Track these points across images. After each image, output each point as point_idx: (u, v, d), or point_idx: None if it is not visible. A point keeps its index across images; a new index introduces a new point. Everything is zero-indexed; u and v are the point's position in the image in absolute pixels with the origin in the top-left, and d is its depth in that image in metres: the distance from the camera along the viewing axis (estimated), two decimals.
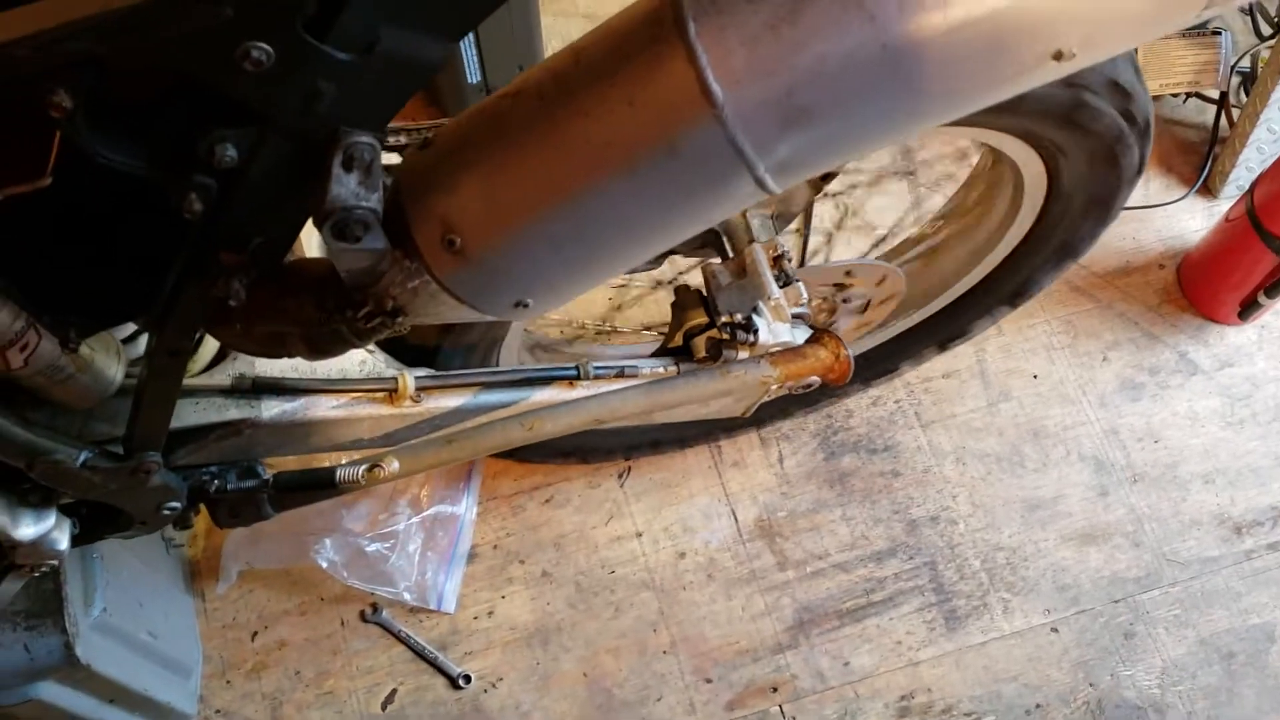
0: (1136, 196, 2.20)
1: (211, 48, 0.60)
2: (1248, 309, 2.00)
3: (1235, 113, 2.22)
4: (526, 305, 0.78)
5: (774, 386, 1.18)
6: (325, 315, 0.82)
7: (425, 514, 1.80)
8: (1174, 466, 1.96)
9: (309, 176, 0.70)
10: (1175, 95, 2.30)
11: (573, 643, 1.79)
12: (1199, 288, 2.09)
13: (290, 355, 0.86)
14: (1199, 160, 2.25)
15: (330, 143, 0.69)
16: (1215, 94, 2.24)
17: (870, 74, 0.66)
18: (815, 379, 1.20)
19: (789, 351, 1.16)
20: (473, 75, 2.03)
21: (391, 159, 0.84)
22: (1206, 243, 2.08)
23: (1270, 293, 1.92)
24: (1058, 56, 0.67)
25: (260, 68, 0.61)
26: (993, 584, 1.86)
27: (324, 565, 1.73)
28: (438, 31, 0.65)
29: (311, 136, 0.68)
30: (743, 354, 1.25)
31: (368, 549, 1.75)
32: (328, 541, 1.74)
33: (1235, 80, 2.24)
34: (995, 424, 1.99)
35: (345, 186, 0.69)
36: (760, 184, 0.71)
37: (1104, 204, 1.31)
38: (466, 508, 1.84)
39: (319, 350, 0.85)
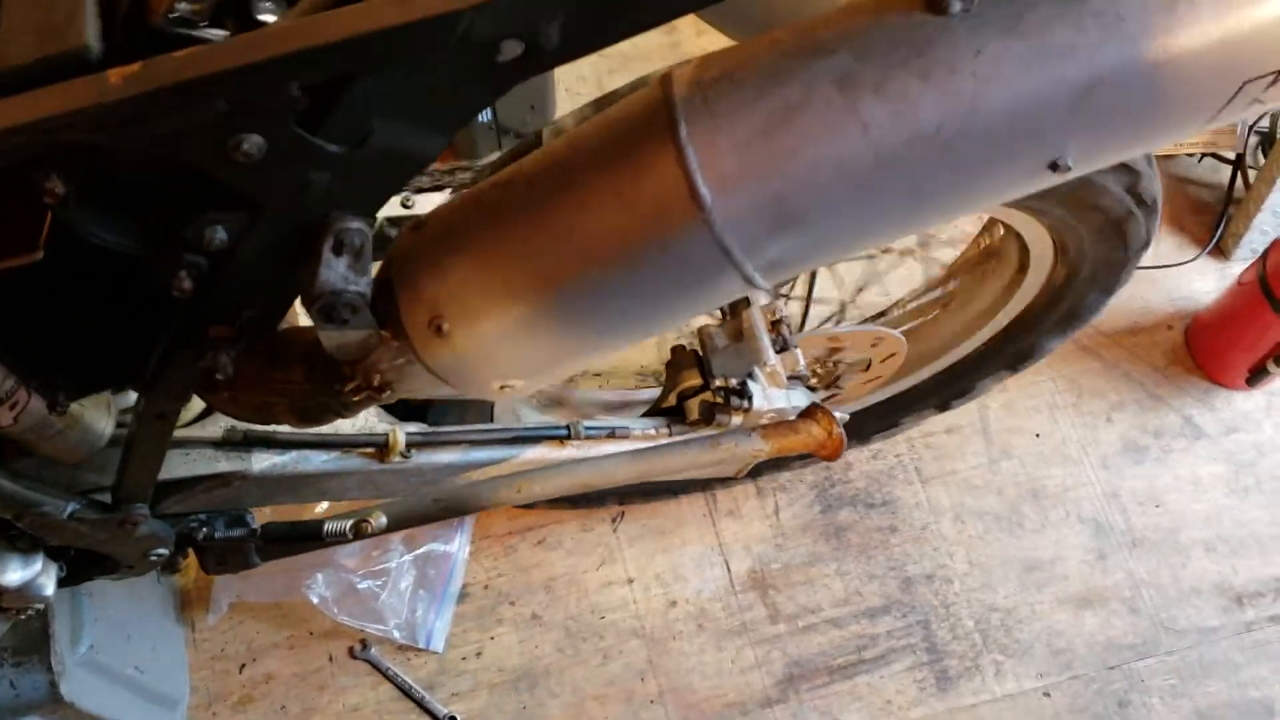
0: (1147, 257, 2.20)
1: (204, 139, 0.60)
2: (1256, 376, 1.98)
3: (1252, 174, 2.20)
4: (512, 387, 0.78)
5: (764, 459, 1.18)
6: (312, 387, 0.82)
7: (418, 552, 1.79)
8: (1175, 532, 1.94)
9: (299, 259, 0.70)
10: (1191, 154, 2.29)
11: (560, 688, 1.78)
12: (1207, 351, 2.08)
13: (278, 423, 0.86)
14: (1212, 221, 2.24)
15: (321, 227, 0.69)
16: (1232, 154, 2.23)
17: (862, 183, 0.65)
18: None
19: (781, 425, 1.15)
20: (484, 114, 2.03)
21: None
22: (1217, 306, 2.07)
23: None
24: (1054, 167, 0.67)
25: (251, 159, 0.61)
26: (986, 645, 1.84)
27: (315, 601, 1.72)
28: (432, 127, 0.65)
29: (302, 222, 0.68)
30: (736, 419, 1.24)
31: (359, 585, 1.74)
32: (319, 576, 1.74)
33: (1253, 141, 2.23)
34: (995, 482, 1.98)
35: (334, 270, 0.69)
36: (749, 281, 0.71)
37: (1111, 275, 1.30)
38: (459, 546, 1.83)
39: (306, 419, 0.85)
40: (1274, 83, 0.64)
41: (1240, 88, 0.64)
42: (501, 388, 0.78)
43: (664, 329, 0.78)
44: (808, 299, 2.09)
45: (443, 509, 1.09)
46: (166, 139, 0.60)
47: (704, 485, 1.87)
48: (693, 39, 2.48)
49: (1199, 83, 0.63)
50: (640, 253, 0.68)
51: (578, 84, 2.41)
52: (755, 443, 1.12)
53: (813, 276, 2.10)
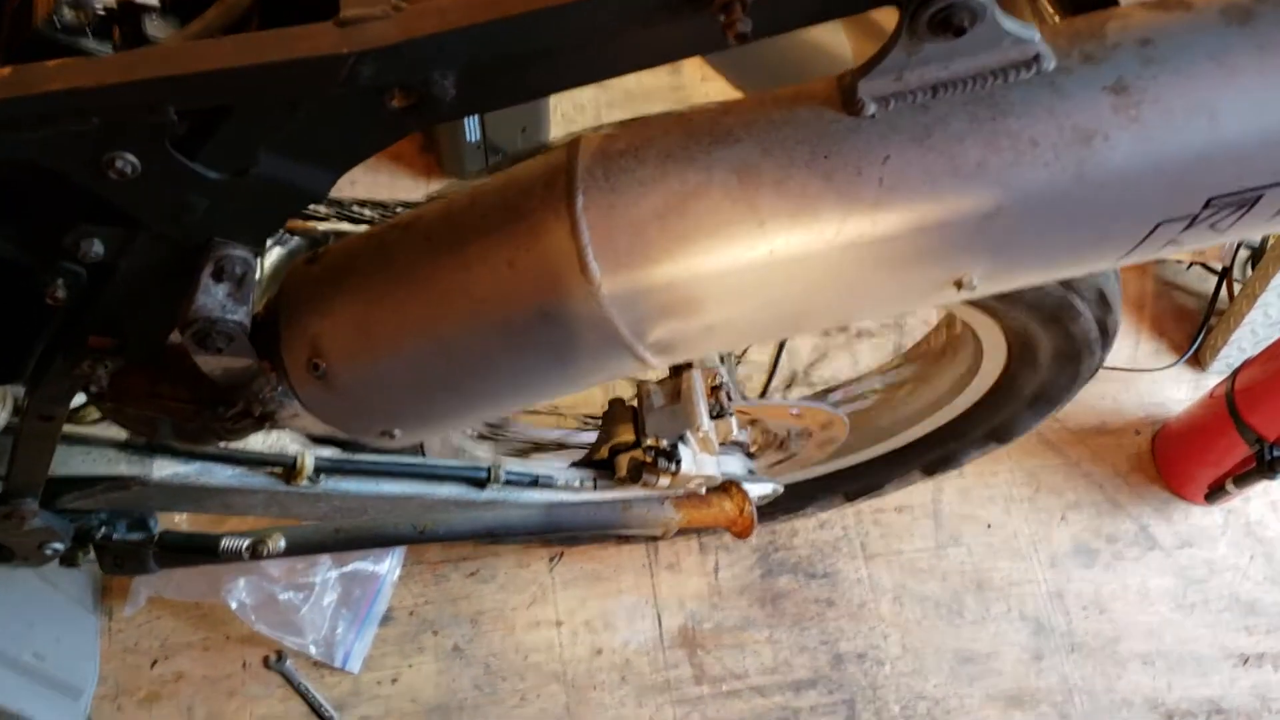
0: (1123, 358, 2.19)
1: (77, 151, 0.58)
2: (1215, 493, 1.96)
3: (1237, 288, 2.18)
4: (393, 435, 0.76)
5: (674, 530, 1.15)
6: (195, 409, 0.79)
7: (345, 569, 1.76)
8: (1115, 641, 1.91)
9: (180, 281, 0.68)
10: (1179, 260, 2.27)
11: None
12: (1171, 461, 2.05)
13: (161, 439, 0.83)
14: (1192, 330, 2.21)
15: (202, 252, 0.67)
16: (1219, 266, 2.21)
17: (755, 278, 0.63)
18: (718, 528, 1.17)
19: (694, 498, 1.13)
20: (472, 135, 2.02)
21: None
22: (1186, 416, 2.04)
23: (1239, 481, 1.88)
24: (958, 285, 0.65)
25: (125, 177, 0.59)
26: None
27: (233, 606, 1.69)
28: (320, 162, 0.63)
29: (182, 244, 0.66)
30: (664, 480, 1.22)
31: (280, 596, 1.71)
32: (241, 582, 1.70)
33: (1242, 255, 2.21)
34: (940, 567, 1.95)
35: (212, 297, 0.67)
36: (640, 360, 0.69)
37: (1049, 400, 1.28)
38: (389, 569, 1.80)
39: (187, 439, 0.82)
40: (1189, 226, 0.62)
41: (1154, 228, 0.62)
42: (382, 433, 0.76)
43: (552, 398, 0.75)
44: (772, 367, 2.07)
45: (343, 540, 1.07)
46: (38, 147, 0.58)
47: (648, 536, 1.84)
48: (697, 83, 2.47)
49: (1111, 218, 0.61)
50: (526, 320, 0.66)
51: (576, 112, 2.40)
52: (667, 512, 1.09)
53: (780, 344, 2.08)
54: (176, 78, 0.55)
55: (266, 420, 0.78)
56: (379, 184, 2.24)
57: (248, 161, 0.61)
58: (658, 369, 0.71)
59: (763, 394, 2.04)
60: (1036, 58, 0.59)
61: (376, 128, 0.61)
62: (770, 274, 0.63)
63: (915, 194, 0.60)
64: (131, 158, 0.59)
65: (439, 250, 0.68)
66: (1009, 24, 0.58)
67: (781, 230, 0.61)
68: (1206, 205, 0.60)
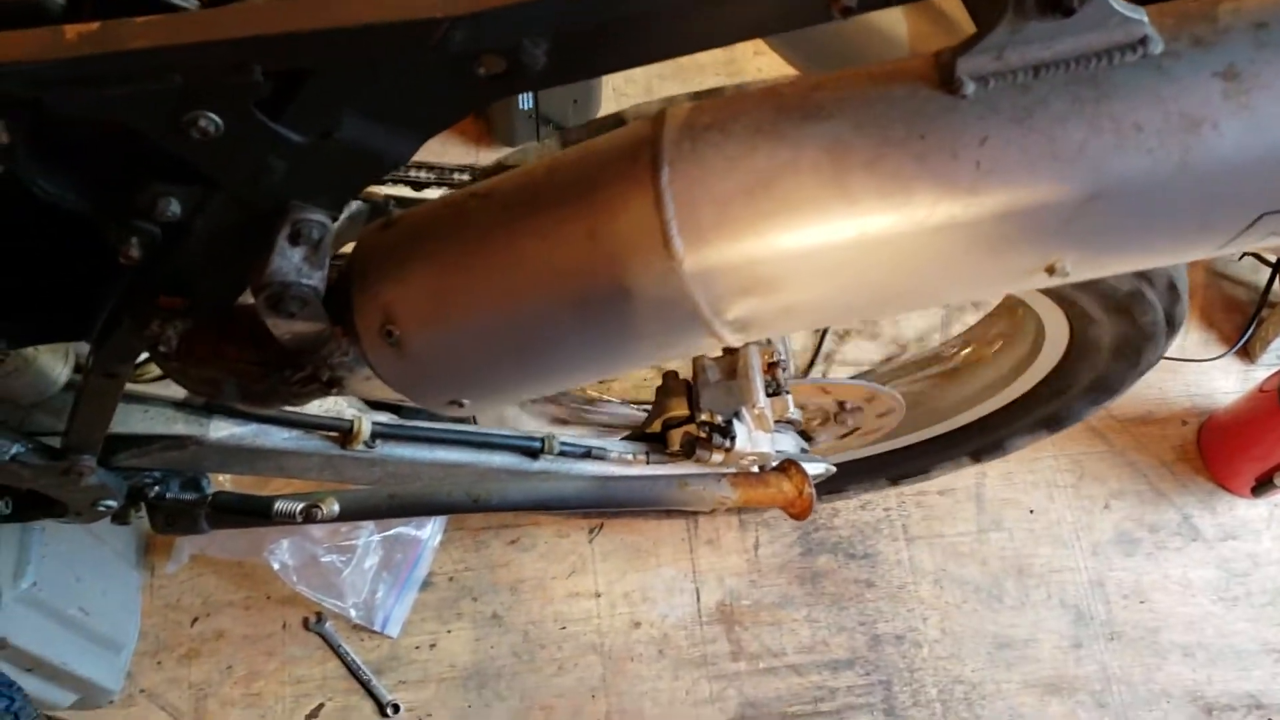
0: (1172, 347, 2.15)
1: (159, 109, 0.57)
2: (1262, 486, 1.93)
3: None
4: (462, 405, 0.75)
5: (730, 508, 1.15)
6: (262, 371, 0.79)
7: (387, 533, 1.77)
8: (1155, 632, 1.89)
9: (254, 243, 0.67)
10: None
11: (509, 692, 1.76)
12: (1217, 453, 2.02)
13: (225, 400, 0.83)
14: (1243, 321, 2.18)
15: (279, 215, 0.66)
16: (1273, 257, 2.17)
17: (841, 258, 0.62)
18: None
19: (752, 477, 1.12)
20: (524, 101, 2.00)
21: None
22: (1234, 408, 2.01)
23: None
24: (1050, 271, 0.63)
25: (208, 137, 0.58)
26: (945, 716, 1.80)
27: (275, 567, 1.70)
28: (403, 130, 0.62)
29: (260, 206, 0.65)
30: (717, 456, 1.21)
31: (323, 558, 1.72)
32: (285, 543, 1.72)
33: None
34: (981, 552, 1.94)
35: (288, 260, 0.67)
36: (716, 337, 0.68)
37: (1108, 390, 1.26)
38: (430, 534, 1.81)
39: (253, 401, 0.82)
40: None
41: (1257, 219, 0.60)
42: (451, 403, 0.75)
43: (624, 371, 0.74)
44: (819, 343, 2.05)
45: (397, 506, 1.07)
46: (120, 104, 0.57)
47: (687, 511, 1.83)
48: (750, 57, 2.44)
49: (1212, 208, 0.59)
50: (605, 294, 0.65)
51: (626, 84, 2.37)
52: (724, 489, 1.08)
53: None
54: (264, 38, 0.54)
55: (334, 385, 0.77)
56: (430, 149, 2.21)
57: (331, 125, 0.60)
58: (735, 346, 0.69)
59: (806, 373, 2.02)
60: (1144, 40, 0.57)
61: (463, 94, 0.60)
62: (857, 255, 0.62)
63: (1012, 177, 0.58)
64: (214, 117, 0.58)
65: (517, 219, 0.67)
66: (1117, 4, 0.56)
67: (872, 211, 0.60)
68: None
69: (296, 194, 0.65)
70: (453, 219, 0.70)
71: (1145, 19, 0.57)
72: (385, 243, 0.72)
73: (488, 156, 2.16)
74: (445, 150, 2.18)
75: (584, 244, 0.64)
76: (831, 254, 0.62)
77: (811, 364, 2.08)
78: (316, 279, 0.68)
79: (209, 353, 0.80)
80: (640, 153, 0.63)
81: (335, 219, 0.68)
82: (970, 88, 0.59)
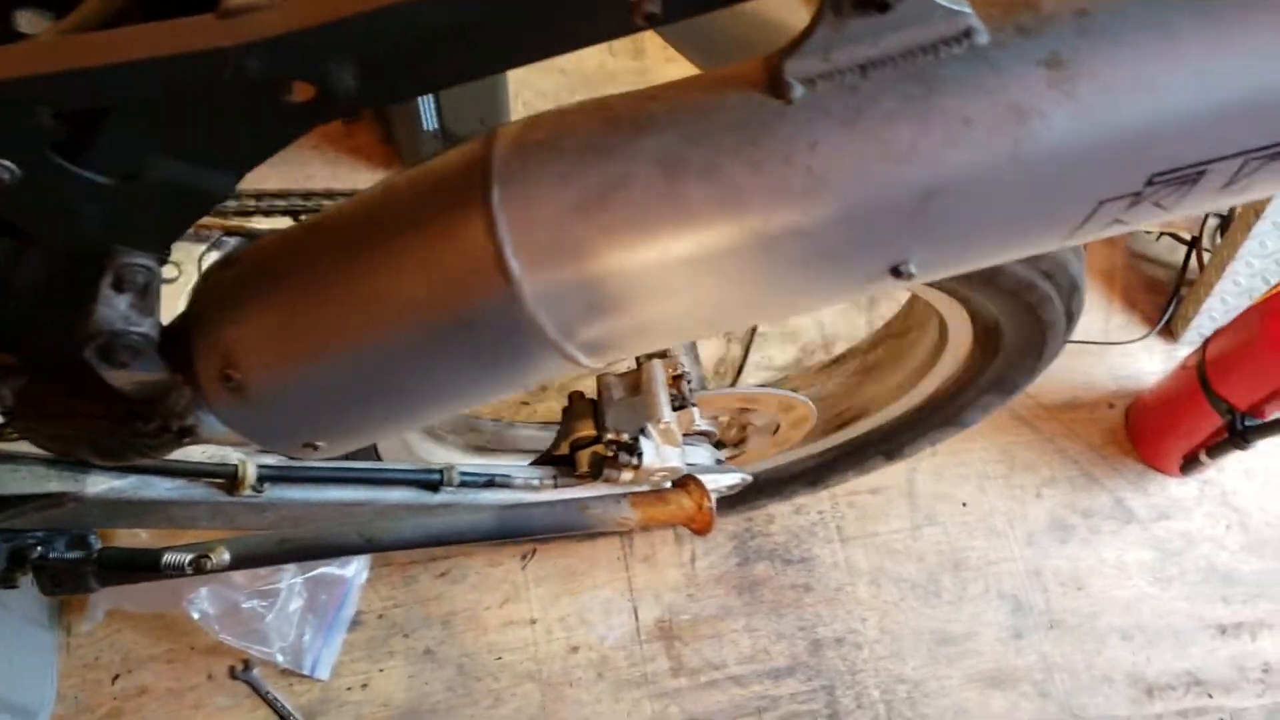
0: (1095, 331, 2.17)
1: None
2: (1190, 464, 1.94)
3: (1206, 257, 2.16)
4: (316, 447, 0.72)
5: (635, 529, 1.12)
6: (112, 425, 0.75)
7: (310, 574, 1.73)
8: (1094, 617, 1.89)
9: (79, 293, 0.64)
10: (1149, 231, 2.25)
11: None
12: (1145, 434, 2.03)
13: (79, 457, 0.80)
14: (1164, 301, 2.20)
15: (101, 262, 0.63)
16: (1188, 236, 2.19)
17: (683, 272, 0.60)
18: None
19: (652, 494, 1.10)
20: (429, 122, 1.98)
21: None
22: (1158, 389, 2.02)
23: (1213, 452, 1.87)
24: (895, 273, 0.62)
25: (3, 184, 0.55)
26: (889, 717, 1.79)
27: (195, 616, 1.66)
28: (219, 164, 0.60)
29: (79, 253, 0.62)
30: (626, 475, 1.19)
31: (244, 605, 1.68)
32: (204, 592, 1.67)
33: (1211, 224, 2.19)
34: (916, 549, 1.93)
35: (114, 309, 0.64)
36: (572, 361, 0.66)
37: (1014, 381, 1.25)
38: (356, 572, 1.77)
39: (106, 456, 0.79)
40: (1133, 205, 0.59)
41: (1096, 208, 0.59)
42: (305, 445, 0.72)
43: (488, 400, 0.72)
44: (745, 353, 2.04)
45: (290, 551, 1.03)
46: None
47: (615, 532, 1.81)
48: (661, 65, 2.43)
49: (1051, 198, 0.58)
50: (446, 323, 0.62)
51: (538, 99, 2.36)
52: (624, 510, 1.06)
53: (752, 330, 2.06)
54: (48, 76, 0.51)
55: (186, 435, 0.74)
56: (339, 177, 2.21)
57: (137, 165, 0.58)
58: (594, 370, 0.67)
59: (734, 381, 2.01)
60: (968, 31, 0.55)
61: (277, 123, 0.58)
62: (699, 269, 0.60)
63: (845, 181, 0.57)
64: (8, 164, 0.55)
65: (352, 251, 0.64)
66: None
67: (710, 223, 0.58)
68: (1149, 183, 0.57)
69: (117, 238, 0.62)
70: (289, 254, 0.67)
71: (968, 10, 0.55)
72: (225, 282, 0.69)
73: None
74: (355, 177, 2.15)
75: (419, 274, 0.62)
76: (675, 269, 0.60)
77: (739, 373, 2.07)
78: (146, 325, 0.65)
79: (55, 409, 0.77)
80: (471, 174, 0.61)
81: (163, 262, 0.65)
82: (798, 91, 0.57)
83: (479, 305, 0.61)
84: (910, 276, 0.61)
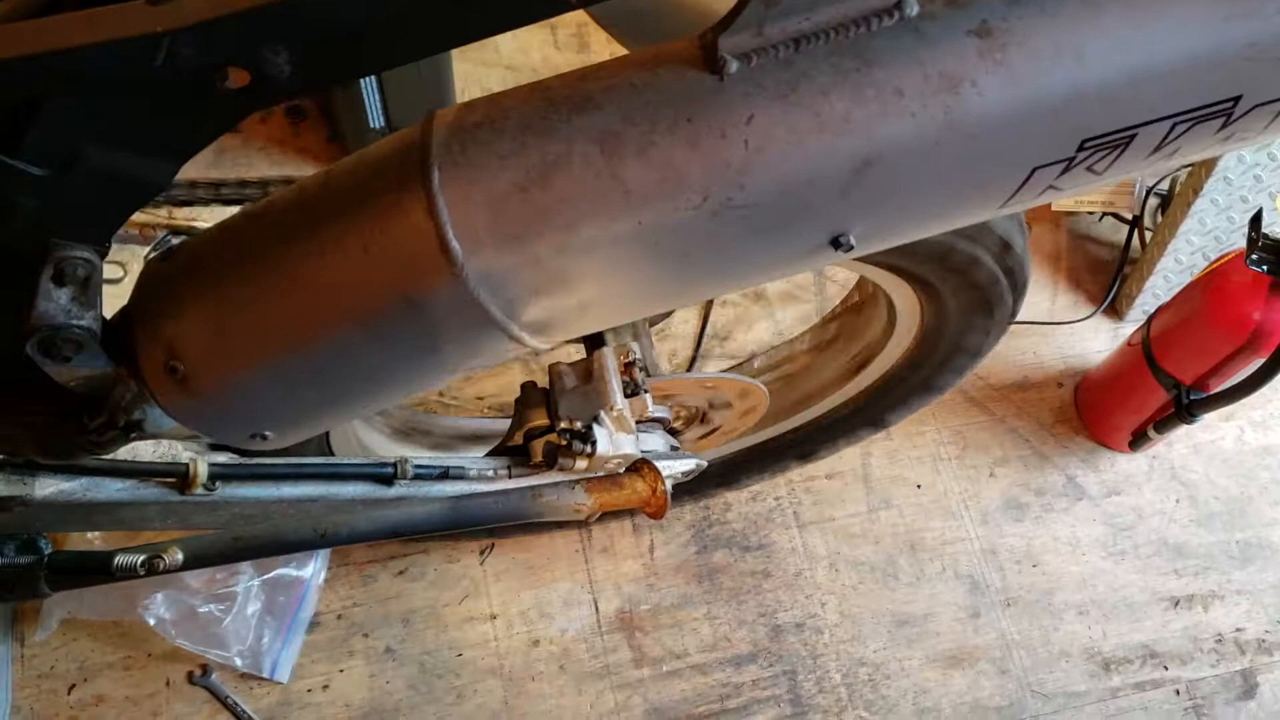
0: (1041, 311, 2.20)
1: None
2: (1138, 439, 1.97)
3: (1148, 235, 2.20)
4: (265, 437, 0.72)
5: (591, 515, 1.13)
6: (56, 422, 0.75)
7: (267, 576, 1.71)
8: (1050, 594, 1.92)
9: (19, 288, 0.63)
10: (1091, 213, 2.29)
11: None
12: (1094, 411, 2.06)
13: (23, 455, 0.79)
14: (1108, 280, 2.23)
15: (41, 255, 0.62)
16: (1129, 215, 2.23)
17: (625, 249, 0.60)
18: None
19: (605, 480, 1.10)
20: (375, 119, 1.97)
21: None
22: (1105, 366, 2.06)
23: (1160, 427, 1.90)
24: (835, 244, 0.63)
25: None
26: (851, 700, 1.80)
27: (151, 622, 1.64)
28: (156, 153, 0.59)
29: (17, 247, 0.62)
30: (580, 463, 1.19)
31: (200, 609, 1.66)
32: (159, 597, 1.65)
33: (1152, 203, 2.23)
34: (873, 531, 1.95)
35: (54, 303, 0.63)
36: (519, 342, 0.66)
37: (970, 351, 1.27)
38: (314, 572, 1.76)
39: (51, 454, 0.78)
40: (1066, 170, 0.60)
41: (1030, 174, 0.60)
42: (253, 436, 0.72)
43: (437, 384, 0.72)
44: (698, 339, 2.05)
45: (243, 549, 1.03)
46: None
47: (572, 522, 1.81)
48: (605, 57, 2.43)
49: (984, 166, 0.59)
50: (388, 308, 0.63)
51: (483, 94, 2.34)
52: (578, 496, 1.07)
53: (705, 315, 2.06)
54: None
55: (133, 430, 0.74)
56: (285, 176, 2.18)
57: (72, 155, 0.57)
58: (541, 350, 0.68)
59: (689, 367, 2.02)
60: (899, 3, 0.56)
61: (212, 111, 0.57)
62: (640, 246, 0.60)
63: (782, 154, 0.57)
64: None
65: (291, 238, 0.64)
66: None
67: (648, 200, 0.59)
68: (1081, 148, 0.58)
69: (55, 231, 0.62)
70: (228, 243, 0.67)
71: None
72: (165, 274, 0.69)
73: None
74: (301, 175, 2.13)
75: (361, 259, 0.62)
76: (615, 247, 0.60)
77: (694, 358, 2.07)
78: (89, 319, 0.64)
79: (1, 407, 0.76)
80: (409, 157, 0.61)
81: (104, 254, 0.65)
82: (734, 66, 0.58)
83: (421, 288, 0.62)
84: (850, 248, 0.62)
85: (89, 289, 0.64)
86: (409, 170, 0.60)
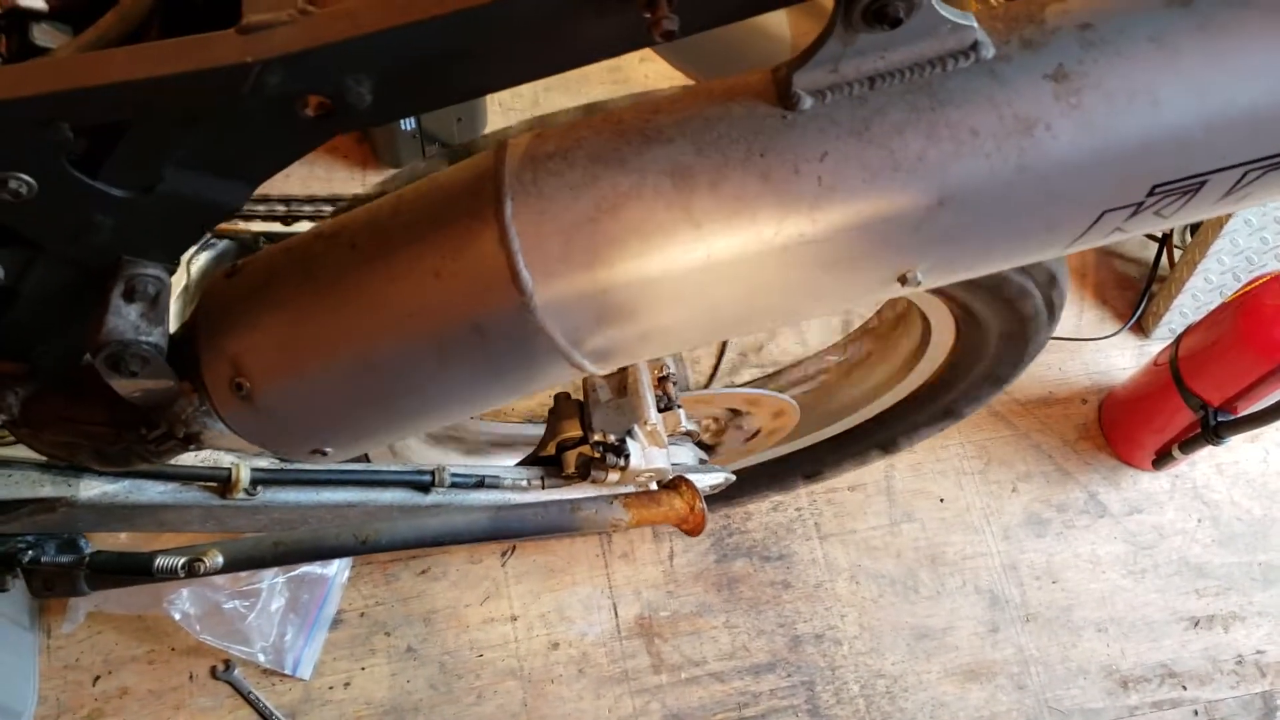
0: (1068, 327, 2.20)
1: None
2: (1162, 459, 1.97)
3: (1178, 254, 2.19)
4: (325, 453, 0.73)
5: (625, 529, 1.13)
6: (115, 432, 0.76)
7: (292, 574, 1.72)
8: (1069, 610, 1.92)
9: (90, 302, 0.64)
10: None
11: None
12: (1118, 429, 2.06)
13: (81, 464, 0.80)
14: (1135, 297, 2.23)
15: (112, 272, 0.63)
16: (1159, 233, 2.22)
17: (693, 281, 0.61)
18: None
19: (644, 496, 1.11)
20: (407, 123, 1.97)
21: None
22: (1131, 384, 2.05)
23: (1185, 447, 1.90)
24: (903, 281, 0.63)
25: (20, 198, 0.55)
26: (869, 712, 1.81)
27: (176, 617, 1.65)
28: (232, 176, 0.60)
29: (90, 265, 0.63)
30: (613, 476, 1.20)
31: (225, 605, 1.67)
32: (185, 593, 1.66)
33: None
34: (895, 545, 1.95)
35: (124, 319, 0.64)
36: (579, 369, 0.66)
37: (999, 377, 1.27)
38: (337, 571, 1.77)
39: (109, 463, 0.79)
40: (1134, 214, 0.60)
41: (1099, 217, 0.60)
42: (313, 452, 0.73)
43: (493, 406, 0.73)
44: (720, 353, 2.05)
45: (282, 554, 1.03)
46: None
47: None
48: (635, 65, 2.43)
49: (1055, 208, 0.59)
50: (457, 333, 0.63)
51: (512, 99, 2.35)
52: (616, 512, 1.07)
53: None
54: (68, 92, 0.51)
55: (191, 441, 0.74)
56: (315, 176, 2.19)
57: (153, 178, 0.58)
58: (598, 375, 0.68)
59: (710, 380, 2.02)
60: (975, 45, 0.57)
61: (291, 137, 0.58)
62: (708, 278, 0.61)
63: (855, 190, 0.58)
64: (26, 178, 0.55)
65: (363, 261, 0.65)
66: (946, 11, 0.56)
67: (718, 233, 0.59)
68: (1151, 193, 0.59)
69: (127, 249, 0.63)
70: (299, 262, 0.67)
71: (975, 24, 0.57)
72: (230, 292, 0.69)
73: (374, 179, 2.13)
74: (331, 175, 2.14)
75: (432, 284, 0.62)
76: (683, 279, 0.61)
77: (714, 374, 2.08)
78: (156, 335, 0.65)
79: (59, 417, 0.76)
80: (483, 186, 0.62)
81: (172, 272, 0.65)
82: (808, 102, 0.58)
83: (490, 315, 0.62)
84: (917, 284, 0.62)
85: (158, 306, 0.65)
86: (482, 199, 0.61)
